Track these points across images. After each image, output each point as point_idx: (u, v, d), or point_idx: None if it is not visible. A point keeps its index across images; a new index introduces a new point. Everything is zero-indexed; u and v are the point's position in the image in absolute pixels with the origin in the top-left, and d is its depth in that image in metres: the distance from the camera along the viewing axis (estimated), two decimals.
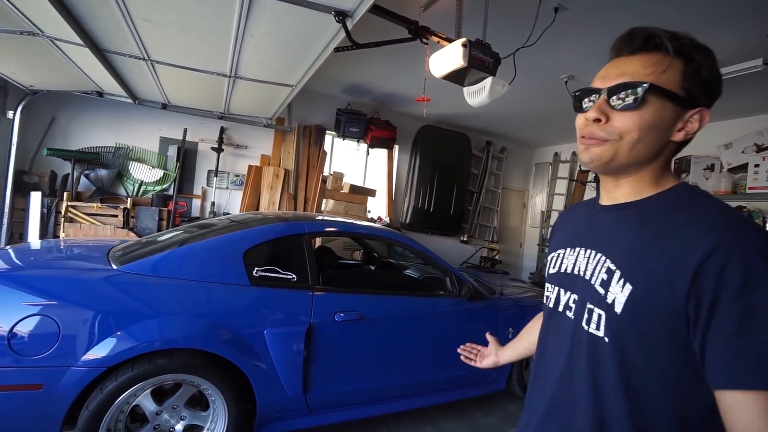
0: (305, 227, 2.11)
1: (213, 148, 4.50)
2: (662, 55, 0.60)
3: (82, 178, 3.98)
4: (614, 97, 0.61)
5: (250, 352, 1.78)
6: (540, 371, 0.76)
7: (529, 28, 2.61)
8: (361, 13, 1.77)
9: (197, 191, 4.61)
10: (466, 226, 6.12)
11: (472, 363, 1.14)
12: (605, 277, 0.62)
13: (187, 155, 4.47)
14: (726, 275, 0.50)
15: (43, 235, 3.68)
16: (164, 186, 4.37)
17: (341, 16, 1.80)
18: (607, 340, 0.61)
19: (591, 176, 5.49)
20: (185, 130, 4.32)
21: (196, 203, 4.61)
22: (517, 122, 5.39)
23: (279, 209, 4.65)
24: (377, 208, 5.54)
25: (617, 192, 0.68)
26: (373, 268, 3.18)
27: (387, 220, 5.44)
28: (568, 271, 0.72)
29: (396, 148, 5.58)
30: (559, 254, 0.77)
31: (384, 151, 5.49)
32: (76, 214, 3.76)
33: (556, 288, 0.75)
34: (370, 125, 4.98)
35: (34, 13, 2.05)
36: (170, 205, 4.24)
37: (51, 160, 3.87)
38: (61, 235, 3.66)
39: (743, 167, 3.99)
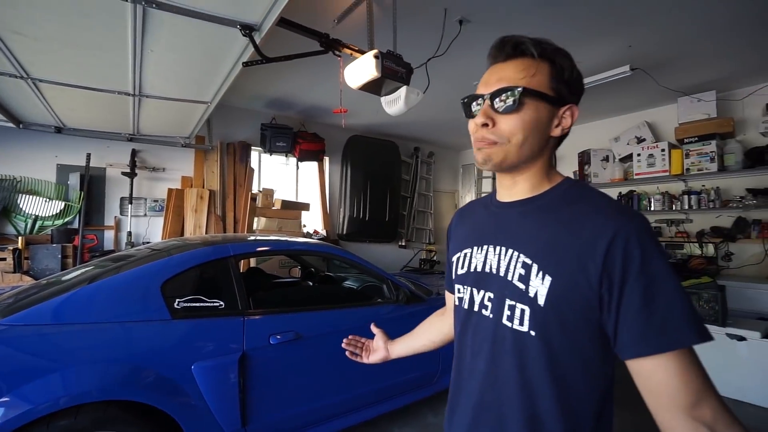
0: (230, 249, 2.00)
1: (124, 173, 4.09)
2: (530, 60, 0.66)
3: None
4: (496, 101, 0.66)
5: (176, 392, 1.63)
6: (462, 375, 0.75)
7: (438, 39, 2.77)
8: (267, 26, 1.74)
9: (109, 221, 4.15)
10: (403, 231, 6.26)
11: (358, 359, 1.11)
12: (522, 271, 0.65)
13: (93, 183, 4.00)
14: (628, 255, 0.57)
15: None
16: (66, 219, 3.86)
17: (248, 29, 1.75)
18: (533, 333, 0.63)
19: None
20: (88, 155, 3.87)
21: (109, 235, 4.14)
22: (440, 127, 5.67)
23: (206, 233, 4.35)
24: (312, 221, 5.44)
25: (515, 188, 0.72)
26: (311, 283, 3.11)
27: (323, 232, 5.37)
28: (479, 269, 0.73)
29: (326, 159, 5.55)
30: (465, 254, 0.78)
31: (314, 164, 5.42)
32: None
33: (468, 288, 0.75)
34: (297, 138, 4.90)
35: None
36: (76, 240, 3.76)
37: None
38: None
39: (630, 157, 4.60)
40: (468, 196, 7.08)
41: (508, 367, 0.65)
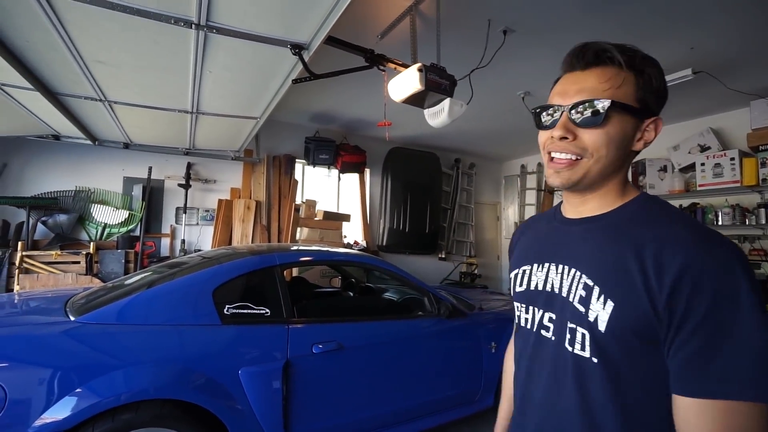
0: (276, 259, 2.07)
1: (180, 185, 4.40)
2: (616, 69, 0.61)
3: (39, 226, 3.78)
4: (577, 115, 0.61)
5: (224, 396, 1.69)
6: (523, 398, 0.72)
7: (482, 50, 2.75)
8: (316, 45, 1.81)
9: (166, 230, 4.46)
10: (443, 243, 6.17)
11: None
12: (584, 293, 0.61)
13: (153, 194, 4.34)
14: (697, 293, 0.51)
15: None
16: (130, 227, 4.21)
17: (297, 49, 1.84)
18: (595, 360, 0.59)
19: None
20: (150, 169, 4.22)
21: (165, 242, 4.45)
22: (482, 138, 5.58)
23: (252, 242, 4.55)
24: (353, 232, 5.52)
25: (584, 207, 0.68)
26: (351, 294, 3.14)
27: (363, 243, 5.42)
28: (539, 288, 0.70)
29: (367, 171, 5.63)
30: (524, 270, 0.74)
31: (355, 176, 5.52)
32: (32, 264, 3.54)
33: (527, 306, 0.72)
34: (339, 151, 5.03)
35: None
36: (137, 247, 4.07)
37: (3, 209, 3.67)
38: (15, 288, 3.43)
39: (692, 167, 4.25)
40: (511, 209, 6.86)
41: (569, 393, 0.62)
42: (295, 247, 2.52)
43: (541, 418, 0.66)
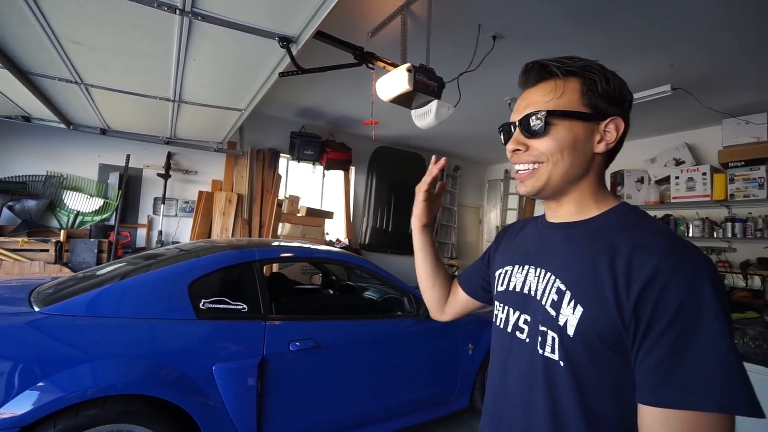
0: (256, 254, 2.03)
1: (159, 174, 4.28)
2: (556, 80, 0.65)
3: (5, 211, 3.60)
4: (525, 127, 0.66)
5: (197, 392, 1.65)
6: (497, 396, 0.73)
7: (471, 54, 2.77)
8: (305, 39, 1.79)
9: (143, 220, 4.33)
10: None
11: (423, 187, 0.90)
12: (555, 297, 0.63)
13: (130, 182, 4.20)
14: (663, 300, 0.52)
15: None
16: (104, 216, 4.06)
17: (285, 41, 1.81)
18: (562, 363, 0.60)
19: None
20: (128, 156, 4.07)
21: (142, 233, 4.32)
22: (468, 142, 5.63)
23: (233, 236, 4.46)
24: (335, 230, 5.48)
25: (560, 211, 0.70)
26: (331, 292, 3.12)
27: (346, 241, 5.39)
28: (518, 289, 0.71)
29: (352, 169, 5.61)
30: (506, 271, 0.76)
31: (340, 173, 5.49)
32: None
33: (505, 307, 0.74)
34: (325, 147, 4.98)
35: None
36: (111, 236, 3.93)
37: None
38: None
39: (667, 179, 4.41)
40: (493, 212, 6.96)
41: (539, 395, 0.63)
42: (275, 243, 2.48)
43: (514, 417, 0.67)
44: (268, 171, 4.84)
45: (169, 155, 4.35)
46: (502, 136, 0.73)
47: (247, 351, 1.79)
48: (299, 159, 4.89)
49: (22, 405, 1.34)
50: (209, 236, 4.48)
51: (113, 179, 4.12)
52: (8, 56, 2.13)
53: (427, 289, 1.00)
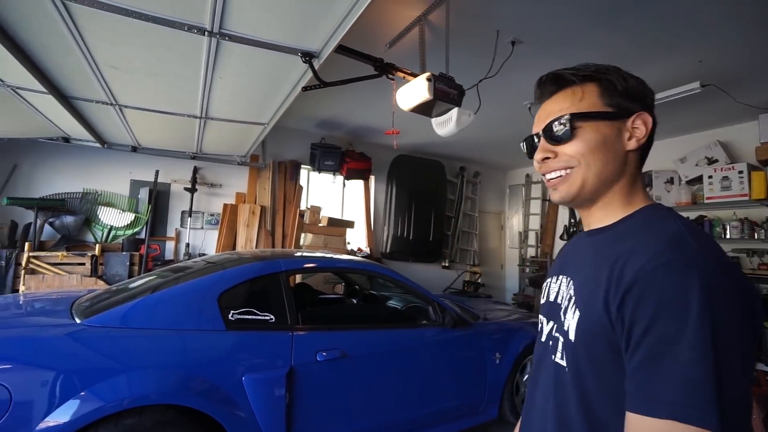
0: (281, 265, 2.07)
1: (186, 189, 4.43)
2: (573, 87, 0.66)
3: (47, 227, 3.80)
4: (551, 135, 0.66)
5: (227, 402, 1.68)
6: (528, 403, 0.74)
7: (490, 61, 2.76)
8: (326, 53, 1.83)
9: (171, 233, 4.48)
10: (447, 251, 6.15)
11: None
12: (566, 304, 0.64)
13: (159, 197, 4.37)
14: (640, 307, 0.50)
15: None
16: (135, 230, 4.23)
17: (308, 57, 1.86)
18: (567, 369, 0.61)
19: None
20: (157, 172, 4.24)
21: (170, 245, 4.46)
22: (488, 147, 5.58)
23: (257, 247, 4.55)
24: (357, 239, 5.51)
25: (591, 218, 0.69)
26: (355, 301, 3.12)
27: (367, 250, 5.41)
28: (551, 299, 0.72)
29: (372, 178, 5.64)
30: (548, 283, 0.77)
31: (360, 183, 5.54)
32: (38, 265, 3.56)
33: (542, 318, 0.75)
34: (345, 158, 5.04)
35: None
36: (142, 249, 4.08)
37: (11, 209, 3.70)
38: (21, 288, 3.44)
39: (699, 179, 4.23)
40: (515, 218, 6.84)
41: (551, 402, 0.64)
42: (299, 254, 2.52)
43: (538, 425, 0.68)
44: (290, 182, 4.93)
45: (195, 170, 4.50)
46: (524, 149, 0.73)
47: (276, 361, 1.81)
48: (320, 170, 4.96)
49: (65, 414, 1.39)
50: (234, 248, 4.58)
51: (143, 194, 4.29)
52: (53, 83, 2.27)
53: None
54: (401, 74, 2.38)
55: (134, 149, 4.01)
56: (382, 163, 5.56)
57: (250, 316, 1.85)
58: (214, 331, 1.76)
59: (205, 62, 2.00)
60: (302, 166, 5.08)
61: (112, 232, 4.13)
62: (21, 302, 2.19)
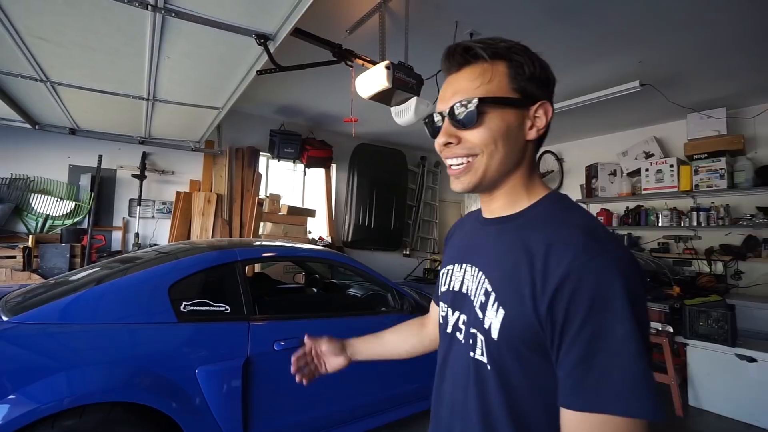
0: (237, 254, 2.01)
1: (134, 175, 4.15)
2: (483, 64, 0.60)
3: None
4: (456, 118, 0.61)
5: (180, 396, 1.63)
6: (436, 397, 0.72)
7: None
8: (282, 36, 1.77)
9: (118, 223, 4.19)
10: (408, 240, 6.25)
11: (316, 374, 0.97)
12: (483, 299, 0.61)
13: (103, 184, 4.06)
14: (574, 303, 0.50)
15: None
16: (76, 219, 3.91)
17: (263, 39, 1.79)
18: (489, 367, 0.59)
19: None
20: (100, 157, 3.93)
21: (117, 236, 4.18)
22: None
23: (213, 236, 4.38)
24: (318, 228, 5.46)
25: (493, 205, 0.67)
26: (315, 290, 3.11)
27: (328, 239, 5.38)
28: (456, 289, 0.69)
29: (333, 167, 5.58)
30: (448, 270, 0.73)
31: (321, 171, 5.46)
32: None
33: (446, 307, 0.72)
34: (305, 145, 4.94)
35: None
36: (84, 240, 3.79)
37: None
38: None
39: (638, 171, 4.59)
40: (474, 206, 7.05)
41: (471, 397, 0.62)
42: (257, 243, 2.46)
43: (452, 421, 0.66)
44: (248, 170, 4.76)
45: (144, 155, 4.22)
46: (427, 130, 0.68)
47: (231, 352, 1.77)
48: (279, 157, 4.83)
49: None
50: (188, 238, 4.38)
51: (85, 181, 3.97)
52: None
53: (420, 352, 0.98)
54: (360, 61, 2.36)
55: (73, 132, 3.68)
56: (343, 152, 5.51)
57: (203, 307, 1.80)
58: (165, 324, 1.69)
59: (150, 39, 1.86)
60: (261, 153, 4.92)
61: (49, 222, 3.80)
62: None
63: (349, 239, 5.53)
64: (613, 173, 4.89)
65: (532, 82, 0.60)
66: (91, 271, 2.06)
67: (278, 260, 3.75)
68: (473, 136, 0.60)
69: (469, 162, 0.62)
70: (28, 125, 3.40)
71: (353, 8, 2.47)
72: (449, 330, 0.70)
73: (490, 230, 0.67)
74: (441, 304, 0.74)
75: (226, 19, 1.70)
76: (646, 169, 4.40)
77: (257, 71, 2.11)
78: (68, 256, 3.64)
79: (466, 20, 2.61)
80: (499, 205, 0.66)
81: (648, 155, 4.56)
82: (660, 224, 4.41)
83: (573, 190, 5.43)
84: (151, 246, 4.15)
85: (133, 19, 1.69)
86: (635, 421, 0.47)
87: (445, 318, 0.72)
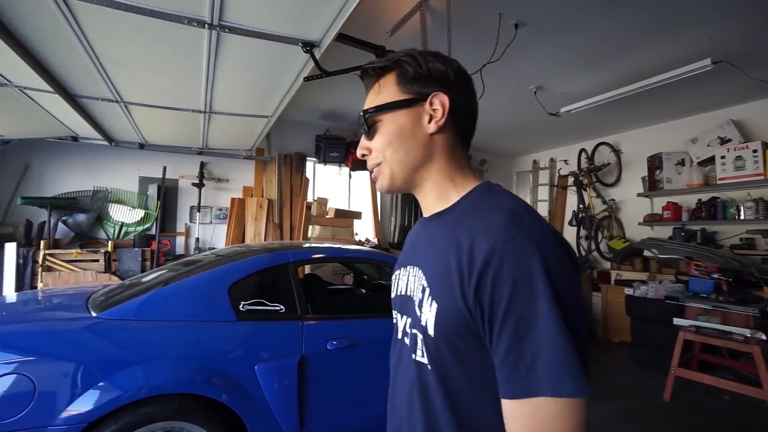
0: (290, 256, 2.09)
1: (194, 184, 4.47)
2: (377, 80, 0.67)
3: (60, 225, 3.88)
4: (364, 131, 0.67)
5: (241, 391, 1.72)
6: (390, 406, 0.71)
7: (493, 45, 2.72)
8: (327, 42, 1.82)
9: (180, 228, 4.54)
10: None
11: None
12: (420, 296, 0.60)
13: (167, 193, 4.42)
14: (498, 287, 0.49)
15: (19, 287, 3.54)
16: (146, 226, 4.29)
17: (308, 46, 1.84)
18: (429, 367, 0.57)
19: (570, 180, 5.62)
20: (164, 168, 4.29)
21: (180, 240, 4.53)
22: (494, 134, 5.52)
23: (265, 239, 4.60)
24: (364, 230, 5.53)
25: (426, 202, 0.68)
26: (363, 291, 3.15)
27: (375, 241, 5.43)
28: (402, 292, 0.68)
29: None
30: (397, 275, 0.73)
31: (366, 173, 5.53)
32: (54, 262, 3.64)
33: (395, 312, 0.72)
34: (350, 149, 5.03)
35: (1, 63, 2.05)
36: (153, 245, 4.15)
37: (26, 208, 3.78)
38: (39, 285, 3.53)
39: (711, 160, 4.14)
40: None
41: (416, 401, 0.60)
42: (307, 245, 2.54)
43: (402, 427, 0.65)
44: (296, 175, 4.94)
45: (202, 165, 4.54)
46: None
47: (287, 350, 1.84)
48: (325, 161, 4.97)
49: (86, 403, 1.44)
50: (243, 241, 4.63)
51: (152, 191, 4.35)
52: (58, 81, 2.29)
53: None
54: None
55: (141, 146, 4.05)
56: None
57: (260, 307, 1.88)
58: (226, 322, 1.80)
59: (206, 56, 2.00)
60: (308, 158, 5.08)
61: (124, 229, 4.20)
62: (39, 298, 2.25)
63: (396, 240, 5.54)
64: (681, 163, 4.46)
65: (417, 80, 0.63)
66: (159, 272, 2.24)
67: (328, 261, 3.85)
68: (374, 145, 0.66)
69: (378, 168, 0.66)
70: (106, 142, 3.79)
71: (394, 9, 2.48)
72: (399, 335, 0.69)
73: (428, 228, 0.67)
74: (393, 310, 0.74)
75: (274, 30, 1.78)
76: (723, 157, 3.95)
77: (304, 78, 2.18)
78: (140, 259, 4.00)
79: (509, 12, 2.52)
80: (430, 201, 0.67)
81: (724, 141, 4.10)
82: (743, 217, 3.94)
83: (633, 184, 5.03)
84: (209, 249, 4.44)
85: (191, 38, 1.82)
86: (568, 401, 0.46)
87: (396, 324, 0.71)
